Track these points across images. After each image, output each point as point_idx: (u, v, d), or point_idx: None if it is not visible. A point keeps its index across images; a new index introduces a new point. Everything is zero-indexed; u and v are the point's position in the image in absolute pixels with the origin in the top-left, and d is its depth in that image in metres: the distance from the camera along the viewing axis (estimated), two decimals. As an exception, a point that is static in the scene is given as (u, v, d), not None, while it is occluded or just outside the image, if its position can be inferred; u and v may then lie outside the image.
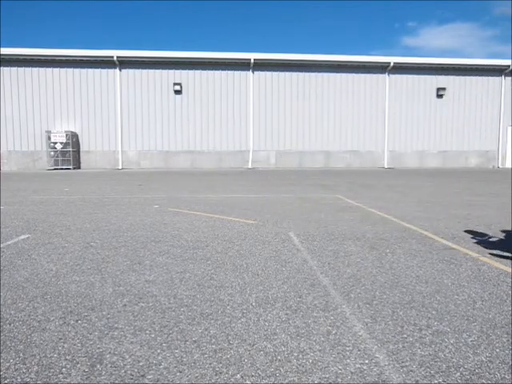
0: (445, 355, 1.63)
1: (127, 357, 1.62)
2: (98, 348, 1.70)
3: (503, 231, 4.22)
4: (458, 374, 1.50)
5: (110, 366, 1.56)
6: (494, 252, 3.34)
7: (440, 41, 67.52)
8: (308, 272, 2.73)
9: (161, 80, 17.33)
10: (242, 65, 17.56)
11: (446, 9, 64.55)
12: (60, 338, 1.78)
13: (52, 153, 16.28)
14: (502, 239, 3.89)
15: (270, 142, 18.04)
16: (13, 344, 1.73)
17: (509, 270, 2.78)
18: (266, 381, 1.46)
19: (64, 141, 16.19)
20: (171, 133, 17.57)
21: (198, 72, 17.47)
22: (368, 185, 9.42)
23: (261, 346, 1.72)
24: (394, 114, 18.43)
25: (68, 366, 1.55)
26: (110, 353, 1.66)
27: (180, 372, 1.52)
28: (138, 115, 17.35)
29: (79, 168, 17.14)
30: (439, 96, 18.54)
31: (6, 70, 16.60)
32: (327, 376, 1.49)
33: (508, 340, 1.76)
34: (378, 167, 18.42)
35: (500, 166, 18.96)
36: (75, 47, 17.02)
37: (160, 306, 2.14)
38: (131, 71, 17.18)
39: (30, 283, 2.51)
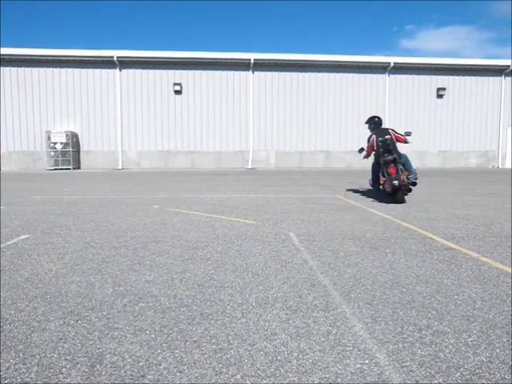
0: (445, 355, 1.63)
1: (127, 357, 1.62)
2: (98, 348, 1.70)
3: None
4: (458, 374, 1.50)
5: (109, 366, 1.56)
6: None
7: (437, 43, 67.71)
8: (308, 272, 2.73)
9: (161, 80, 17.33)
10: (242, 65, 17.56)
11: (443, 12, 64.70)
12: (60, 338, 1.78)
13: (52, 153, 16.29)
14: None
15: (269, 142, 18.04)
16: (13, 344, 1.73)
17: (509, 270, 2.78)
18: (266, 381, 1.46)
19: (64, 141, 16.20)
20: (171, 133, 17.57)
21: (197, 72, 17.48)
22: (367, 185, 9.40)
23: (261, 346, 1.72)
24: (394, 114, 18.43)
25: (68, 366, 1.55)
26: (110, 353, 1.65)
27: (180, 372, 1.52)
28: (137, 115, 17.36)
29: (79, 168, 17.14)
30: (439, 96, 18.55)
31: (6, 70, 16.60)
32: (327, 376, 1.49)
33: (508, 340, 1.76)
34: (378, 167, 18.38)
35: (500, 166, 18.97)
36: (75, 47, 17.04)
37: (160, 306, 2.14)
38: (131, 71, 17.18)
39: (30, 283, 2.51)
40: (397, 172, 6.18)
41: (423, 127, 18.57)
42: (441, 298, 2.27)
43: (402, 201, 6.19)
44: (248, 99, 17.71)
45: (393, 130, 6.90)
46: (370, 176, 7.22)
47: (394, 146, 6.52)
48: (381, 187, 6.70)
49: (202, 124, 17.65)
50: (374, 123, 7.24)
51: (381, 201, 6.44)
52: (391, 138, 6.63)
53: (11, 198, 6.94)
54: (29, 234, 3.95)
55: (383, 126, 7.31)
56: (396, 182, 6.02)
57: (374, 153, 6.99)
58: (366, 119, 7.55)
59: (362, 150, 7.47)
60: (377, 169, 6.89)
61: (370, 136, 7.09)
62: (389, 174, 6.29)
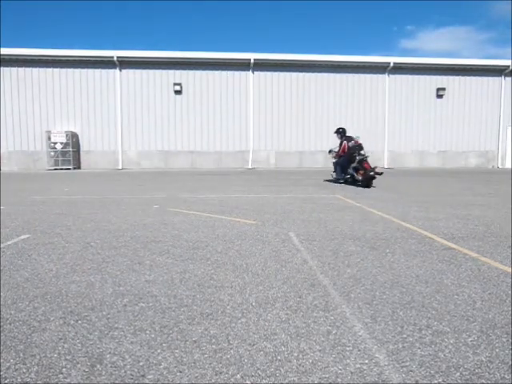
0: (445, 355, 1.63)
1: (127, 357, 1.63)
2: (98, 348, 1.70)
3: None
4: (458, 373, 1.50)
5: (110, 365, 1.56)
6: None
7: (437, 44, 67.80)
8: (308, 272, 2.73)
9: (161, 80, 17.33)
10: (242, 65, 17.56)
11: (443, 13, 64.83)
12: (60, 338, 1.78)
13: (52, 153, 16.28)
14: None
15: (269, 142, 18.04)
16: (13, 344, 1.73)
17: (509, 270, 2.79)
18: (266, 381, 1.46)
19: (64, 141, 16.20)
20: (171, 133, 17.57)
21: (198, 72, 17.47)
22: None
23: (261, 346, 1.72)
24: (394, 114, 18.43)
25: (68, 366, 1.55)
26: (110, 353, 1.66)
27: (180, 372, 1.52)
28: (138, 115, 17.36)
29: (79, 168, 17.14)
30: (439, 96, 18.54)
31: (6, 70, 16.60)
32: (327, 376, 1.49)
33: (508, 340, 1.76)
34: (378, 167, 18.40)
35: (500, 166, 18.97)
36: (75, 47, 17.06)
37: (160, 306, 2.14)
38: (131, 71, 17.18)
39: (30, 283, 2.51)
40: (370, 166, 8.82)
41: (423, 127, 18.56)
42: (440, 297, 2.27)
43: (371, 186, 8.73)
44: (248, 99, 17.71)
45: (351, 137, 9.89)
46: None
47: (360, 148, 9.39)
48: (346, 177, 9.62)
49: (202, 124, 17.65)
50: (342, 133, 10.10)
51: (356, 186, 9.07)
52: (355, 142, 9.52)
53: (11, 197, 6.94)
54: (29, 234, 3.95)
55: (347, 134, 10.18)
56: (372, 173, 8.62)
57: (341, 153, 9.84)
58: (335, 130, 10.41)
59: (330, 151, 10.53)
60: (345, 165, 9.64)
61: (341, 142, 9.93)
62: (364, 168, 8.84)
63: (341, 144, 9.91)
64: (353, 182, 9.37)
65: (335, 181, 10.07)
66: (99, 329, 1.88)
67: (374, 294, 2.32)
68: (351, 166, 9.35)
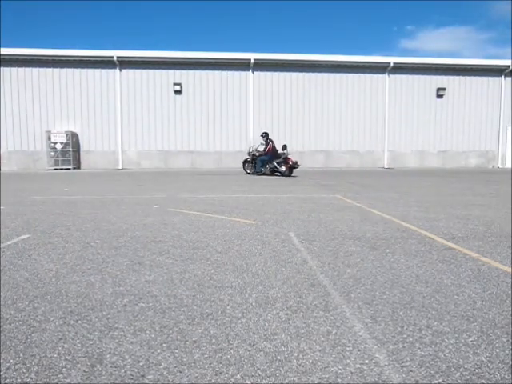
0: (445, 355, 1.63)
1: (127, 357, 1.62)
2: (98, 348, 1.70)
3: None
4: (458, 373, 1.50)
5: (110, 365, 1.56)
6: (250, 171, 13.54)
7: (437, 44, 67.81)
8: (308, 272, 2.73)
9: (161, 80, 17.34)
10: (242, 65, 17.56)
11: (443, 13, 64.82)
12: (60, 338, 1.78)
13: (52, 153, 16.29)
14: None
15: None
16: (13, 344, 1.73)
17: (509, 270, 2.78)
18: (266, 381, 1.46)
19: (64, 141, 16.20)
20: (171, 133, 17.57)
21: (197, 72, 17.48)
22: (368, 185, 9.42)
23: (261, 346, 1.72)
24: (394, 114, 18.43)
25: (68, 366, 1.55)
26: (109, 353, 1.66)
27: (180, 372, 1.52)
28: (137, 115, 17.36)
29: (79, 168, 17.14)
30: (439, 96, 18.55)
31: (6, 70, 16.60)
32: (327, 376, 1.49)
33: (508, 340, 1.76)
34: (378, 167, 18.42)
35: (500, 166, 18.97)
36: (75, 47, 17.05)
37: (160, 306, 2.14)
38: (131, 71, 17.18)
39: (30, 283, 2.51)
40: (292, 161, 12.21)
41: (423, 127, 18.57)
42: (441, 298, 2.27)
43: (292, 175, 12.27)
44: (248, 99, 17.71)
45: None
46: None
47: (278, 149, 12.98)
48: (263, 169, 12.79)
49: (202, 124, 17.65)
50: (266, 136, 13.21)
51: (276, 176, 12.43)
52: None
53: (11, 197, 6.94)
54: (29, 234, 3.95)
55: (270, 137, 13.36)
56: (296, 166, 12.15)
57: (267, 152, 12.87)
58: (261, 133, 13.56)
59: (250, 151, 13.66)
60: (267, 161, 12.70)
61: (267, 142, 13.00)
62: (287, 162, 12.22)
63: (267, 144, 12.99)
64: (272, 173, 12.69)
65: (254, 173, 13.08)
66: (99, 329, 1.88)
67: (374, 294, 2.32)
68: (275, 161, 12.47)
